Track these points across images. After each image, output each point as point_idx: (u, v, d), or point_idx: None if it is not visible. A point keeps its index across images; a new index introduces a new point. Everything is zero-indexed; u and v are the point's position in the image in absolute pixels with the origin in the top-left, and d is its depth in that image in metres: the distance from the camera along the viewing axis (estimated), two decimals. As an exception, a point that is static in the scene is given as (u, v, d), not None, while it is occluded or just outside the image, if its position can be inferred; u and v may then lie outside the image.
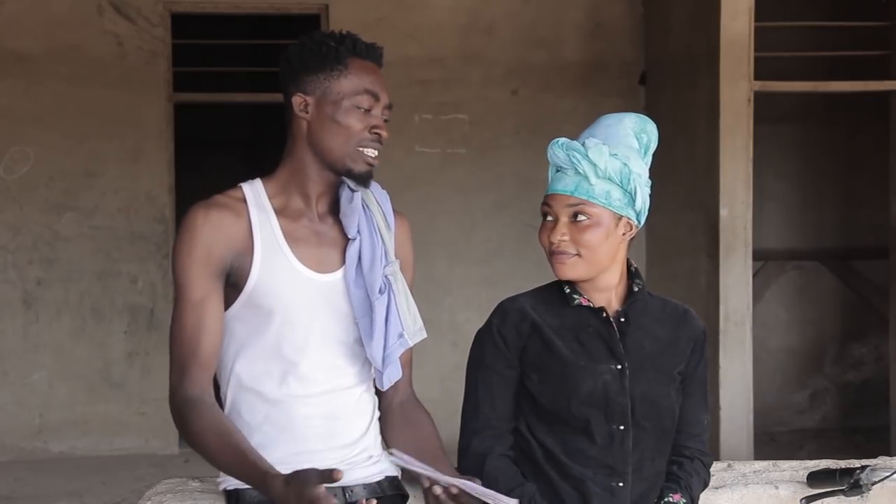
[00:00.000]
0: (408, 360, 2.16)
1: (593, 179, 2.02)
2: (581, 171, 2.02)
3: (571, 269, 2.05)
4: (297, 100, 2.01)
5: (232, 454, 1.87)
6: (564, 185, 2.04)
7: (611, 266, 2.09)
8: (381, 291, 2.00)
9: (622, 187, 2.04)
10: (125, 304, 5.98)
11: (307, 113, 2.01)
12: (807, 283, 6.76)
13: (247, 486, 1.98)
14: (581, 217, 2.03)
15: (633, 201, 2.06)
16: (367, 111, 2.00)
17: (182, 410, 1.92)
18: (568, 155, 2.04)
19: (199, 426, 1.90)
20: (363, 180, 2.03)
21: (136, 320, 5.99)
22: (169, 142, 6.05)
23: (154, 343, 5.95)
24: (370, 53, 2.03)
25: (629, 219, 2.07)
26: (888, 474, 2.26)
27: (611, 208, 2.03)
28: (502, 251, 6.20)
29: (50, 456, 5.87)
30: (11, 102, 5.87)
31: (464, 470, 2.12)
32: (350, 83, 1.99)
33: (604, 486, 2.04)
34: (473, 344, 2.17)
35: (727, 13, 5.09)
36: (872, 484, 2.24)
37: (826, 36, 6.12)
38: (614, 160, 2.03)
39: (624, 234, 2.07)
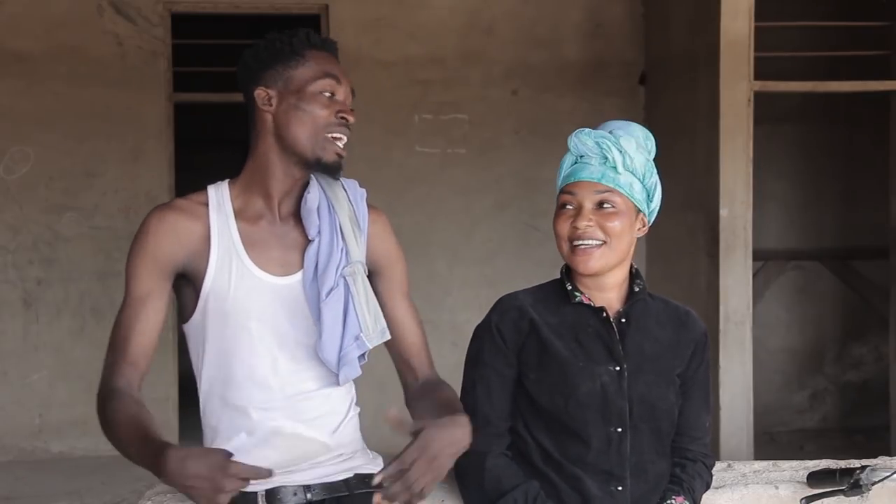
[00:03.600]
0: (422, 343, 2.14)
1: (620, 169, 2.02)
2: (610, 158, 2.02)
3: (598, 261, 2.04)
4: (259, 93, 2.01)
5: (134, 430, 1.80)
6: (590, 172, 2.03)
7: (622, 263, 2.09)
8: (329, 293, 1.97)
9: (642, 182, 2.05)
10: (125, 305, 5.97)
11: (271, 105, 2.01)
12: (807, 283, 6.76)
13: None
14: (607, 205, 2.02)
15: (651, 198, 2.07)
16: (331, 96, 2.00)
17: (103, 400, 1.90)
18: (598, 143, 2.03)
19: (111, 411, 1.85)
20: (333, 170, 2.02)
21: (136, 320, 5.98)
22: (169, 142, 6.05)
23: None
24: (326, 45, 2.05)
25: (644, 215, 2.08)
26: (888, 474, 2.26)
27: (633, 200, 2.04)
28: (502, 251, 6.20)
29: (50, 456, 5.87)
30: (11, 102, 5.87)
31: (462, 467, 2.11)
32: (310, 70, 2.00)
33: (603, 491, 2.03)
34: (471, 340, 2.16)
35: (727, 13, 5.09)
36: (872, 484, 2.24)
37: (826, 36, 6.12)
38: (640, 154, 2.04)
39: (638, 230, 2.08)
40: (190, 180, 6.34)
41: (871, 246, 6.39)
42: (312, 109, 1.98)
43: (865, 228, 6.56)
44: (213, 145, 9.05)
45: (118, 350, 1.95)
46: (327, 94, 2.00)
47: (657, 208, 2.11)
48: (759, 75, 5.16)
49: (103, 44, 5.93)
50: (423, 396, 2.08)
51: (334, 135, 1.99)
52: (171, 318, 6.00)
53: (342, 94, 2.02)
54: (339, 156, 2.01)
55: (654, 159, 2.13)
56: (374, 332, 2.03)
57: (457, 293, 6.15)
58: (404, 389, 2.14)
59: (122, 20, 5.94)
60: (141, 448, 1.77)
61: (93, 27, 5.92)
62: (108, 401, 1.88)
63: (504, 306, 2.12)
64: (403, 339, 2.10)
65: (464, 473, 2.11)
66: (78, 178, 5.94)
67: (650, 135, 2.14)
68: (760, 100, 5.21)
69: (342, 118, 2.00)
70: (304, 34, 2.03)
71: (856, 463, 2.36)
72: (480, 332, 2.14)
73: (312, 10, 6.15)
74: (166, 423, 5.99)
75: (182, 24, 6.22)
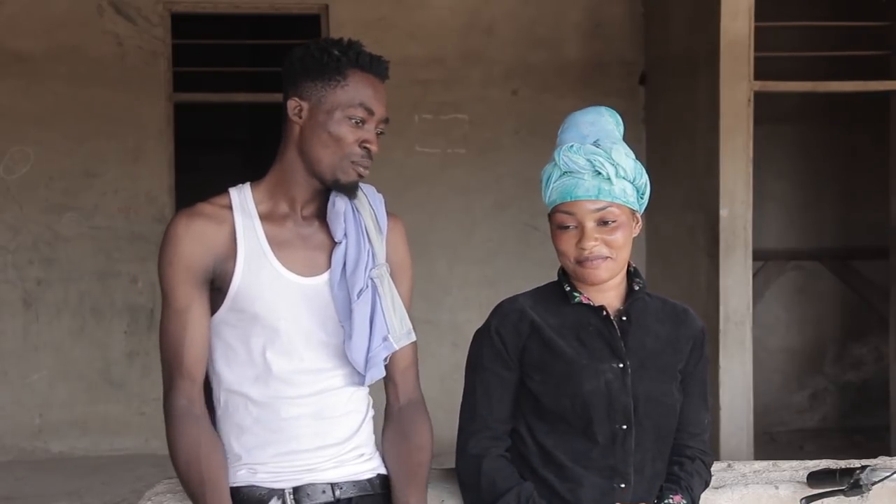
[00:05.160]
0: (411, 360, 2.16)
1: (614, 180, 2.01)
2: (604, 173, 2.01)
3: (606, 272, 2.05)
4: (292, 103, 2.01)
5: (196, 484, 1.94)
6: (585, 189, 2.02)
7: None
8: (360, 294, 2.00)
9: (633, 184, 2.05)
10: (125, 304, 5.98)
11: (300, 118, 2.01)
12: (807, 283, 6.76)
13: (235, 485, 2.01)
14: (608, 220, 2.02)
15: (642, 196, 2.07)
16: (360, 124, 2.00)
17: (167, 419, 1.98)
18: (590, 159, 2.01)
19: (175, 442, 1.96)
20: (349, 190, 2.03)
21: (136, 320, 5.99)
22: (169, 142, 6.05)
23: (154, 343, 5.89)
24: (374, 67, 2.02)
25: (637, 213, 2.08)
26: (888, 474, 2.26)
27: (628, 205, 2.04)
28: (502, 251, 6.20)
29: (50, 456, 5.88)
30: (11, 102, 5.87)
31: (460, 470, 2.12)
32: (346, 95, 1.99)
33: (605, 488, 2.03)
34: (471, 344, 2.16)
35: (727, 13, 5.09)
36: (872, 484, 2.24)
37: (826, 36, 6.12)
38: (628, 158, 2.03)
39: (635, 227, 2.08)
40: (190, 180, 6.38)
41: (871, 246, 6.39)
42: (338, 134, 1.99)
43: (865, 228, 6.56)
44: (213, 145, 9.07)
45: (173, 365, 2.00)
46: (356, 121, 1.99)
47: (647, 200, 2.11)
48: (759, 75, 5.16)
49: (103, 44, 5.93)
50: (398, 435, 2.11)
51: (356, 165, 2.01)
52: (171, 318, 6.00)
53: (373, 122, 2.01)
54: (360, 176, 2.03)
55: (653, 159, 2.14)
56: (401, 333, 2.05)
57: (457, 293, 6.15)
58: (386, 401, 2.16)
59: (122, 20, 5.94)
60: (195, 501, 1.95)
61: (93, 27, 5.92)
62: (171, 424, 1.97)
63: (504, 310, 2.12)
64: (393, 355, 2.10)
65: (462, 476, 2.12)
66: (78, 178, 5.94)
67: (618, 117, 2.14)
68: (760, 100, 5.21)
69: (365, 148, 2.01)
70: (355, 54, 2.00)
71: (856, 463, 2.36)
72: (480, 337, 2.14)
73: (312, 10, 6.15)
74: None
75: (182, 24, 6.22)
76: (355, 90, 1.99)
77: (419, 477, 2.08)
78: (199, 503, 1.93)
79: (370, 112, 2.00)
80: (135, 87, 5.93)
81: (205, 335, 2.00)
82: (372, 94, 2.01)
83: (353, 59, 2.00)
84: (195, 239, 1.98)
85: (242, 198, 2.04)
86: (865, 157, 6.57)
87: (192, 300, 1.98)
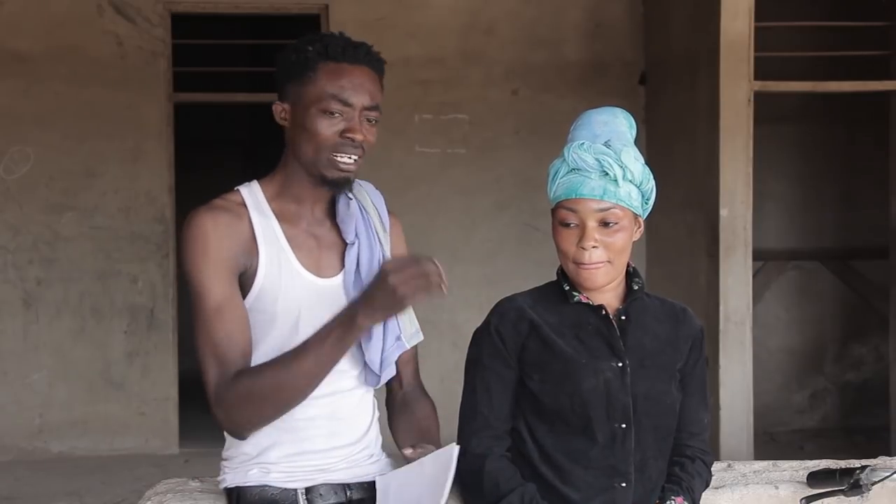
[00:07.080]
0: (411, 355, 2.18)
1: (620, 182, 2.00)
2: (611, 174, 1.99)
3: (604, 277, 2.04)
4: (276, 108, 2.00)
5: (302, 343, 1.87)
6: (591, 189, 2.00)
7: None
8: None
9: (639, 188, 2.04)
10: (125, 304, 5.98)
11: (286, 120, 2.00)
12: (807, 283, 6.77)
13: (247, 484, 2.00)
14: (610, 222, 2.01)
15: (647, 201, 2.07)
16: (337, 115, 1.95)
17: (233, 387, 1.88)
18: (598, 159, 2.00)
19: (249, 382, 1.88)
20: (338, 186, 2.00)
21: (136, 320, 5.99)
22: (169, 142, 6.05)
23: (154, 343, 5.96)
24: (347, 55, 1.97)
25: (640, 217, 2.08)
26: (888, 474, 2.26)
27: (631, 209, 2.04)
28: (502, 251, 6.20)
29: (50, 456, 5.88)
30: (11, 102, 5.87)
31: (462, 470, 2.12)
32: (316, 89, 1.94)
33: (605, 487, 2.03)
34: (471, 344, 2.16)
35: (727, 13, 5.09)
36: (872, 484, 2.24)
37: (826, 36, 6.12)
38: (637, 162, 2.02)
39: (636, 231, 2.08)
40: (190, 180, 6.38)
41: (871, 246, 6.39)
42: (314, 129, 1.94)
43: (865, 228, 6.56)
44: (213, 145, 9.06)
45: (226, 362, 1.90)
46: (331, 113, 1.94)
47: (651, 207, 2.11)
48: (759, 75, 5.16)
49: (103, 44, 5.94)
50: (404, 415, 2.14)
51: (338, 157, 1.96)
52: (172, 317, 6.00)
53: (354, 111, 1.96)
54: (343, 171, 1.97)
55: (653, 159, 2.13)
56: (411, 332, 2.08)
57: (457, 293, 6.13)
58: (387, 393, 2.19)
59: (122, 20, 5.94)
60: (328, 333, 1.86)
61: (93, 27, 5.93)
62: (238, 382, 1.87)
63: (502, 309, 2.12)
64: None
65: (464, 475, 2.11)
66: (78, 178, 5.94)
67: (632, 120, 2.12)
68: (760, 100, 5.21)
69: (348, 138, 1.95)
70: (323, 46, 1.96)
71: (856, 463, 2.36)
72: (479, 336, 2.14)
73: (312, 10, 6.15)
74: (166, 423, 5.99)
75: (182, 24, 6.22)
76: (326, 82, 1.94)
77: (432, 440, 2.07)
78: (321, 335, 1.86)
79: (345, 102, 1.95)
80: (135, 87, 5.94)
81: (249, 327, 1.94)
82: (345, 83, 1.95)
83: (322, 51, 1.96)
84: (224, 232, 1.93)
85: (254, 196, 2.02)
86: (865, 157, 6.57)
87: (229, 294, 1.92)
